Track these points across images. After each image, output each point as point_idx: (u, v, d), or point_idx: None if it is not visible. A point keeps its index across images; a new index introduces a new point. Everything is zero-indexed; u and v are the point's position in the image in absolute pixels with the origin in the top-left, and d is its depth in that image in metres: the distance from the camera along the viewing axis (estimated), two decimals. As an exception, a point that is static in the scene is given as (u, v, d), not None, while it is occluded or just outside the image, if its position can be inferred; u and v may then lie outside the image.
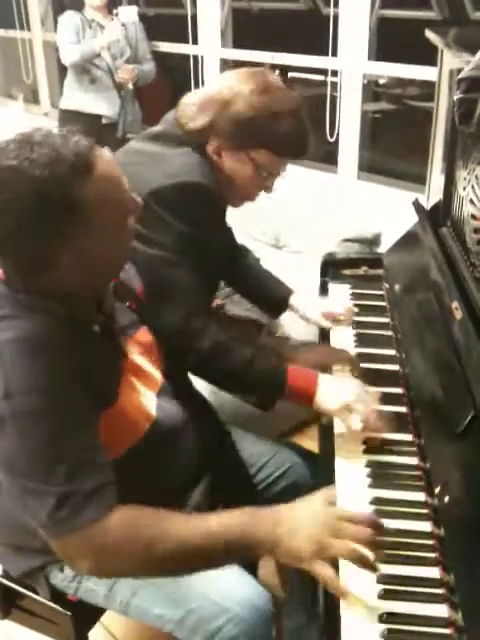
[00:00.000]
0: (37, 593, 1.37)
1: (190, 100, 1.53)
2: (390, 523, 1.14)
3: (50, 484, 1.03)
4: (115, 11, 3.65)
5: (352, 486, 1.23)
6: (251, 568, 1.34)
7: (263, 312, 2.06)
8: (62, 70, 4.15)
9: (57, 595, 1.35)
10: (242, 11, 3.76)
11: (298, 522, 1.05)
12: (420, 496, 1.20)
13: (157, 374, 1.31)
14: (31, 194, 0.98)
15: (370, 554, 1.01)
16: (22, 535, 1.27)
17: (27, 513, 1.08)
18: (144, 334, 1.30)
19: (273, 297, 1.87)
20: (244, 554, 1.09)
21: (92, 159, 1.03)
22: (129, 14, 3.61)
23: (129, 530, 1.06)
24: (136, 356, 1.25)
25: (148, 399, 1.26)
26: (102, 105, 3.79)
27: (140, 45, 3.83)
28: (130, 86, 3.83)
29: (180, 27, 3.73)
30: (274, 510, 1.08)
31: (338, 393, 1.38)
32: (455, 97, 1.22)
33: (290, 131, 1.48)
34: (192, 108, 1.52)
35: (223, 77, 1.55)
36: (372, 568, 1.01)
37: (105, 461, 1.09)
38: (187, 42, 3.69)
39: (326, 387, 1.40)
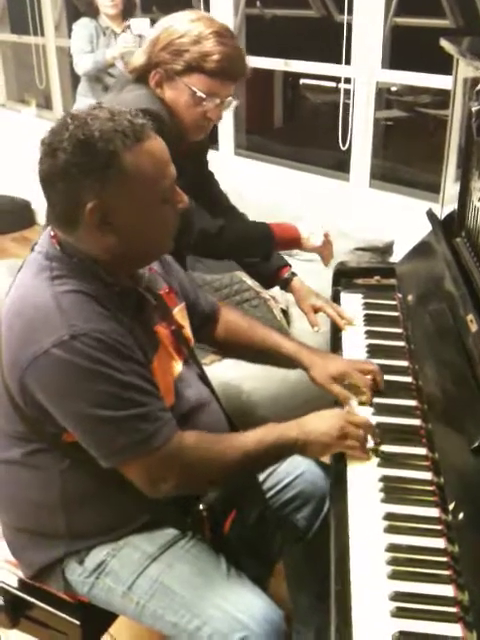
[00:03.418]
0: (48, 597, 1.37)
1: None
2: (403, 539, 1.13)
3: (127, 408, 1.14)
4: (127, 23, 3.64)
5: (364, 500, 1.22)
6: (263, 583, 1.34)
7: (254, 279, 2.16)
8: (75, 76, 4.16)
9: (69, 595, 1.35)
10: (255, 18, 3.76)
11: (318, 419, 1.30)
12: (434, 512, 1.18)
13: (178, 361, 1.35)
14: (81, 137, 1.10)
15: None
16: (45, 516, 1.30)
17: (105, 446, 1.17)
18: (166, 325, 1.34)
19: (265, 265, 1.96)
20: (284, 453, 1.33)
21: (143, 134, 1.14)
22: (142, 26, 3.61)
23: (203, 445, 1.24)
24: (164, 339, 1.32)
25: (171, 379, 1.31)
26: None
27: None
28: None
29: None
30: (297, 419, 1.31)
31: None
32: (473, 108, 1.21)
33: (215, 50, 1.60)
34: (138, 51, 1.71)
35: (160, 20, 1.71)
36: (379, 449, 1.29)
37: (161, 394, 1.23)
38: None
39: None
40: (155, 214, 1.18)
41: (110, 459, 1.18)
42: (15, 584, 1.42)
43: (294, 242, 1.85)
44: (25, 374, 1.14)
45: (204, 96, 1.63)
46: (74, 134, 1.11)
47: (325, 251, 1.90)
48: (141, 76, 1.68)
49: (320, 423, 1.29)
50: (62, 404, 1.16)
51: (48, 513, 1.29)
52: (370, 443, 1.31)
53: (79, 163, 1.10)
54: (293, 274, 1.94)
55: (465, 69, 1.75)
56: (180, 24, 1.63)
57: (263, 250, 1.87)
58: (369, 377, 1.47)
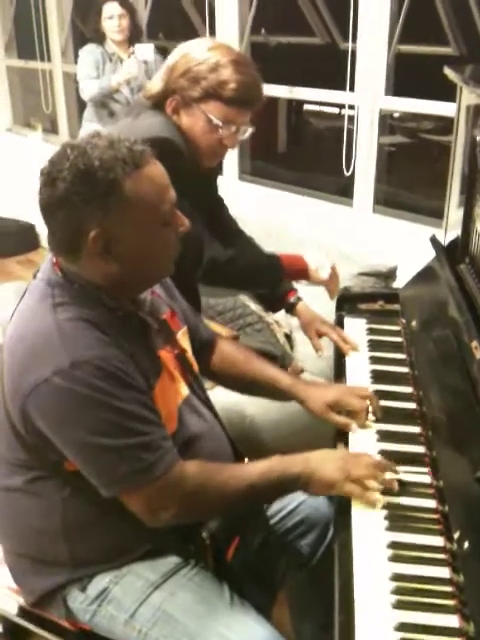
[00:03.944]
0: (49, 624, 1.35)
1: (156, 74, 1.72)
2: (407, 569, 1.12)
3: (127, 437, 1.14)
4: (131, 49, 3.67)
5: (369, 528, 1.21)
6: (267, 612, 1.33)
7: (258, 302, 2.17)
8: (81, 101, 4.19)
9: (70, 623, 1.34)
10: (260, 45, 3.80)
11: (324, 457, 1.28)
12: (438, 541, 1.17)
13: (184, 385, 1.35)
14: (82, 167, 1.11)
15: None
16: (47, 543, 1.29)
17: (106, 475, 1.16)
18: (170, 349, 1.34)
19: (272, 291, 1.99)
20: (287, 488, 1.30)
21: (143, 161, 1.15)
22: (146, 52, 3.64)
23: (204, 475, 1.23)
24: (168, 363, 1.31)
25: (176, 404, 1.31)
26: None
27: (159, 79, 3.87)
28: (148, 119, 3.87)
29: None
30: (302, 454, 1.29)
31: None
32: (477, 137, 1.21)
33: (232, 79, 1.60)
34: (155, 77, 1.71)
35: (178, 46, 1.72)
36: (391, 486, 1.25)
37: (162, 422, 1.22)
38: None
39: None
40: (157, 239, 1.19)
41: (110, 488, 1.18)
42: (16, 611, 1.40)
43: (302, 274, 1.85)
44: (26, 402, 1.14)
45: (220, 124, 1.64)
46: (74, 164, 1.12)
47: (331, 284, 1.90)
48: (158, 102, 1.69)
49: (326, 462, 1.27)
50: (62, 432, 1.16)
51: (50, 540, 1.28)
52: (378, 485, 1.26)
53: (80, 192, 1.11)
54: (299, 299, 1.95)
55: (468, 96, 1.77)
56: (198, 51, 1.64)
57: (271, 282, 1.89)
58: (365, 402, 1.47)
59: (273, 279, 1.87)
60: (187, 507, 1.22)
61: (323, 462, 1.27)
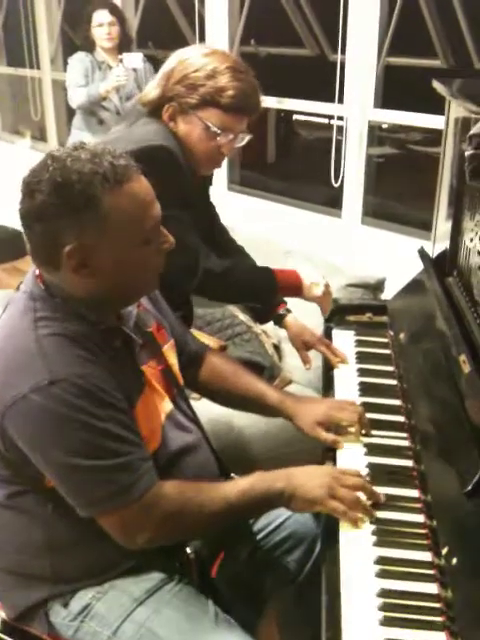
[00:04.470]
0: (31, 638, 1.32)
1: (151, 80, 1.70)
2: (395, 584, 1.11)
3: (104, 458, 1.12)
4: (120, 57, 3.68)
5: (356, 543, 1.20)
6: (253, 628, 1.31)
7: (246, 313, 2.16)
8: (70, 109, 4.19)
9: (53, 638, 1.31)
10: (250, 56, 3.81)
11: (308, 473, 1.26)
12: (426, 556, 1.16)
13: (167, 400, 1.33)
14: (60, 179, 1.09)
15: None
16: (29, 558, 1.27)
17: (82, 496, 1.15)
18: (155, 364, 1.32)
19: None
20: (269, 505, 1.29)
21: (125, 176, 1.12)
22: (134, 60, 3.64)
23: (181, 497, 1.20)
24: (152, 378, 1.30)
25: (160, 419, 1.29)
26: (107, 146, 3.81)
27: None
28: (137, 127, 3.86)
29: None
30: (286, 469, 1.27)
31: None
32: (466, 153, 1.22)
33: (230, 85, 1.59)
34: (151, 84, 1.69)
35: (175, 52, 1.70)
36: (370, 514, 1.22)
37: (142, 442, 1.20)
38: (195, 85, 3.73)
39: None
40: (136, 256, 1.16)
41: (86, 509, 1.16)
42: (-2, 625, 1.38)
43: (296, 289, 1.85)
44: (4, 418, 1.13)
45: (218, 131, 1.63)
46: (53, 176, 1.09)
47: (324, 302, 1.90)
48: (154, 109, 1.67)
49: (310, 479, 1.24)
50: (39, 450, 1.14)
51: (32, 555, 1.27)
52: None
53: (56, 205, 1.09)
54: (288, 311, 1.94)
55: (456, 109, 1.77)
56: (195, 58, 1.62)
57: (265, 296, 1.88)
58: (355, 416, 1.46)
59: (267, 294, 1.86)
60: (164, 530, 1.20)
61: (307, 478, 1.25)
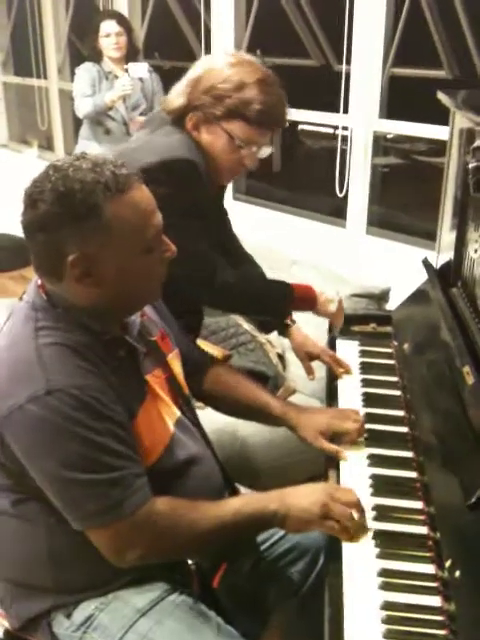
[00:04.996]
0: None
1: (175, 86, 1.66)
2: (398, 597, 1.11)
3: (98, 472, 1.11)
4: (125, 66, 3.70)
5: (359, 555, 1.19)
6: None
7: (251, 323, 2.14)
8: (77, 118, 4.21)
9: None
10: (255, 66, 3.82)
11: (301, 493, 1.25)
12: (430, 568, 1.16)
13: (175, 408, 1.33)
14: (62, 189, 1.09)
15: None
16: (32, 568, 1.26)
17: (74, 510, 1.14)
18: (160, 373, 1.32)
19: None
20: (263, 525, 1.29)
21: (127, 185, 1.12)
22: (140, 70, 3.65)
23: (174, 513, 1.19)
24: (156, 387, 1.29)
25: (168, 427, 1.29)
26: (108, 155, 3.82)
27: (156, 97, 3.88)
28: (144, 137, 3.87)
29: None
30: (280, 490, 1.26)
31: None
32: (470, 165, 1.22)
33: (258, 99, 1.55)
34: (175, 91, 1.65)
35: (201, 59, 1.68)
36: (365, 530, 1.21)
37: (138, 457, 1.19)
38: (201, 95, 3.75)
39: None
40: (139, 265, 1.17)
41: (78, 523, 1.16)
42: (1, 635, 1.38)
43: (310, 304, 1.80)
44: (2, 427, 1.13)
45: (242, 143, 1.61)
46: (55, 186, 1.10)
47: (337, 318, 1.87)
48: (178, 117, 1.64)
49: (303, 498, 1.23)
50: (34, 461, 1.14)
51: (36, 565, 1.26)
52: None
53: (59, 214, 1.09)
54: (293, 321, 1.93)
55: (461, 120, 1.78)
56: (223, 68, 1.59)
57: (279, 310, 1.84)
58: (357, 425, 1.47)
59: (282, 307, 1.82)
60: (155, 548, 1.19)
61: (300, 498, 1.23)
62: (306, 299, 1.80)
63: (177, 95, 1.63)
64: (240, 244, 2.04)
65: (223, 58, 1.62)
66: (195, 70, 1.63)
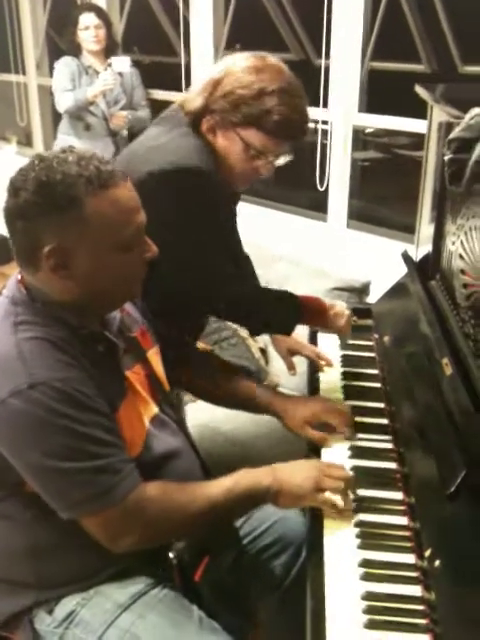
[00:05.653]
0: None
1: (196, 85, 1.61)
2: (379, 587, 1.12)
3: (85, 460, 1.12)
4: (108, 61, 3.67)
5: (341, 547, 1.20)
6: (240, 634, 1.31)
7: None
8: (56, 114, 4.18)
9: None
10: (235, 61, 3.81)
11: (293, 468, 1.28)
12: (410, 558, 1.17)
13: (153, 404, 1.33)
14: (44, 179, 1.10)
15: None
16: (13, 564, 1.26)
17: (62, 499, 1.15)
18: (139, 369, 1.32)
19: None
20: (255, 502, 1.30)
21: (110, 181, 1.13)
22: (122, 64, 3.63)
23: (165, 497, 1.20)
24: (136, 383, 1.30)
25: (143, 424, 1.29)
26: (96, 151, 3.79)
27: (136, 92, 3.86)
28: (124, 132, 3.85)
29: (175, 75, 3.78)
30: (271, 465, 1.28)
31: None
32: (445, 157, 1.23)
33: (277, 110, 1.48)
34: (195, 90, 1.59)
35: (224, 59, 1.60)
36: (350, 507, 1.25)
37: (123, 444, 1.20)
38: (180, 90, 3.74)
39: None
40: (115, 262, 1.16)
41: (68, 512, 1.16)
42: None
43: (320, 317, 1.71)
44: None
45: (257, 153, 1.55)
46: (38, 175, 1.10)
47: (345, 332, 1.78)
48: (195, 119, 1.57)
49: (295, 473, 1.26)
50: (19, 454, 1.14)
51: (15, 561, 1.26)
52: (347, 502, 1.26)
53: (39, 204, 1.10)
54: None
55: (439, 114, 1.78)
56: (245, 72, 1.50)
57: (288, 328, 1.72)
58: (342, 416, 1.49)
59: (291, 324, 1.70)
60: (149, 532, 1.20)
61: (292, 473, 1.26)
62: (315, 313, 1.71)
63: (196, 95, 1.57)
64: (247, 255, 1.97)
65: (247, 61, 1.53)
66: (217, 70, 1.56)
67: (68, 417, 1.11)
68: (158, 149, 1.56)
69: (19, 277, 1.22)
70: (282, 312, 1.70)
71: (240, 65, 1.52)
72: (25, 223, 1.12)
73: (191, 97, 1.58)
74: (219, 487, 1.23)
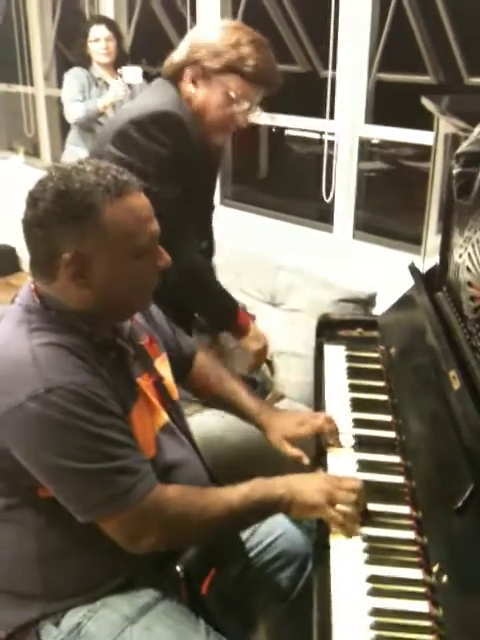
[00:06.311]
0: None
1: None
2: (386, 603, 1.11)
3: (102, 462, 1.14)
4: (119, 71, 3.68)
5: (347, 561, 1.19)
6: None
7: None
8: (64, 125, 4.20)
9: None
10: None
11: (306, 480, 1.29)
12: (417, 573, 1.16)
13: (163, 412, 1.34)
14: (63, 188, 1.13)
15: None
16: (20, 574, 1.27)
17: (81, 500, 1.16)
18: (148, 377, 1.34)
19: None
20: (269, 511, 1.30)
21: (126, 190, 1.16)
22: (134, 75, 3.64)
23: (183, 499, 1.22)
24: (146, 390, 1.31)
25: (153, 431, 1.30)
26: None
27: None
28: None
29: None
30: (284, 476, 1.29)
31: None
32: (454, 171, 1.23)
33: (253, 57, 1.67)
34: (176, 51, 1.76)
35: (200, 25, 1.86)
36: (367, 516, 1.26)
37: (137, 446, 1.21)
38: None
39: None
40: (130, 270, 1.19)
41: (86, 514, 1.17)
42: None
43: (241, 331, 1.89)
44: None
45: (237, 97, 1.70)
46: (56, 185, 1.13)
47: (256, 359, 1.95)
48: (174, 73, 1.74)
49: (308, 485, 1.27)
50: (37, 457, 1.15)
51: (24, 571, 1.27)
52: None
53: (58, 213, 1.13)
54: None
55: (446, 126, 1.79)
56: (221, 29, 1.71)
57: (223, 320, 1.90)
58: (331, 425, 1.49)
59: (227, 318, 1.88)
60: (168, 533, 1.21)
61: (305, 484, 1.27)
62: (240, 325, 1.87)
63: (177, 53, 1.74)
64: (212, 221, 2.06)
65: (220, 22, 1.81)
66: (194, 32, 1.77)
67: (85, 419, 1.12)
68: (139, 102, 1.75)
69: (32, 286, 1.23)
70: (223, 303, 1.86)
71: (216, 26, 1.75)
72: (44, 232, 1.14)
73: (172, 56, 1.76)
74: (236, 493, 1.25)
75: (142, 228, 1.18)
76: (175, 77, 1.74)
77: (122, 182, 1.16)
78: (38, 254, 1.18)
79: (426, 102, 1.83)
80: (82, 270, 1.16)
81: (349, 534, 1.22)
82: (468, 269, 1.43)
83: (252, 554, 1.47)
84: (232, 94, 1.69)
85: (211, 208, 1.95)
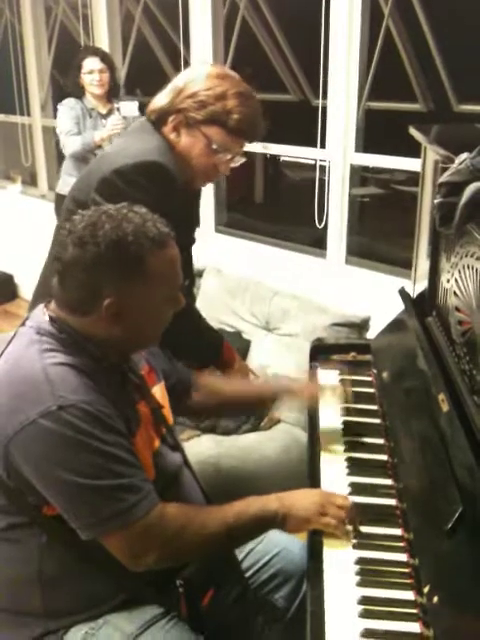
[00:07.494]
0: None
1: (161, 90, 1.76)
2: (378, 624, 1.12)
3: (108, 478, 1.17)
4: (117, 105, 3.73)
5: (340, 584, 1.21)
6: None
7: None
8: (60, 154, 4.25)
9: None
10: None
11: (299, 494, 1.34)
12: (409, 595, 1.18)
13: (156, 439, 1.38)
14: (115, 238, 1.19)
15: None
16: (22, 593, 1.29)
17: (87, 516, 1.18)
18: (145, 404, 1.37)
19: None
20: (264, 527, 1.35)
21: (167, 241, 1.25)
22: (130, 108, 3.69)
23: (183, 517, 1.25)
24: (143, 417, 1.35)
25: (151, 454, 1.34)
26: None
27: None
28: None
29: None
30: (277, 493, 1.34)
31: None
32: (435, 201, 1.26)
33: (237, 110, 1.66)
34: (159, 95, 1.74)
35: (187, 69, 1.80)
36: (356, 529, 1.31)
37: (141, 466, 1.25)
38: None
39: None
40: (160, 313, 1.29)
41: (91, 530, 1.19)
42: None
43: (227, 364, 1.91)
44: (10, 443, 1.17)
45: (219, 148, 1.70)
46: (109, 233, 1.19)
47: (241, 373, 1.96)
48: (159, 118, 1.73)
49: (301, 498, 1.32)
50: (45, 473, 1.17)
51: (25, 590, 1.28)
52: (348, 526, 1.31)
53: (110, 261, 1.19)
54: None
55: (433, 153, 1.83)
56: (207, 78, 1.69)
57: (210, 357, 1.91)
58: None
59: (213, 354, 1.90)
60: (169, 550, 1.24)
61: (298, 499, 1.32)
62: (226, 358, 1.91)
63: (161, 97, 1.73)
64: (193, 267, 2.05)
65: (208, 69, 1.73)
66: (180, 78, 1.73)
67: (95, 437, 1.16)
68: (119, 151, 1.73)
69: (45, 310, 1.28)
70: (207, 339, 1.90)
71: (203, 72, 1.71)
72: (89, 276, 1.20)
73: (157, 99, 1.74)
74: (231, 510, 1.28)
75: (176, 277, 1.28)
76: (158, 122, 1.73)
77: (165, 233, 1.24)
78: (76, 294, 1.23)
79: (414, 132, 1.88)
80: (119, 312, 1.22)
81: (341, 540, 1.27)
82: (455, 294, 1.46)
83: (248, 574, 1.49)
84: (214, 146, 1.69)
85: (191, 244, 1.96)
